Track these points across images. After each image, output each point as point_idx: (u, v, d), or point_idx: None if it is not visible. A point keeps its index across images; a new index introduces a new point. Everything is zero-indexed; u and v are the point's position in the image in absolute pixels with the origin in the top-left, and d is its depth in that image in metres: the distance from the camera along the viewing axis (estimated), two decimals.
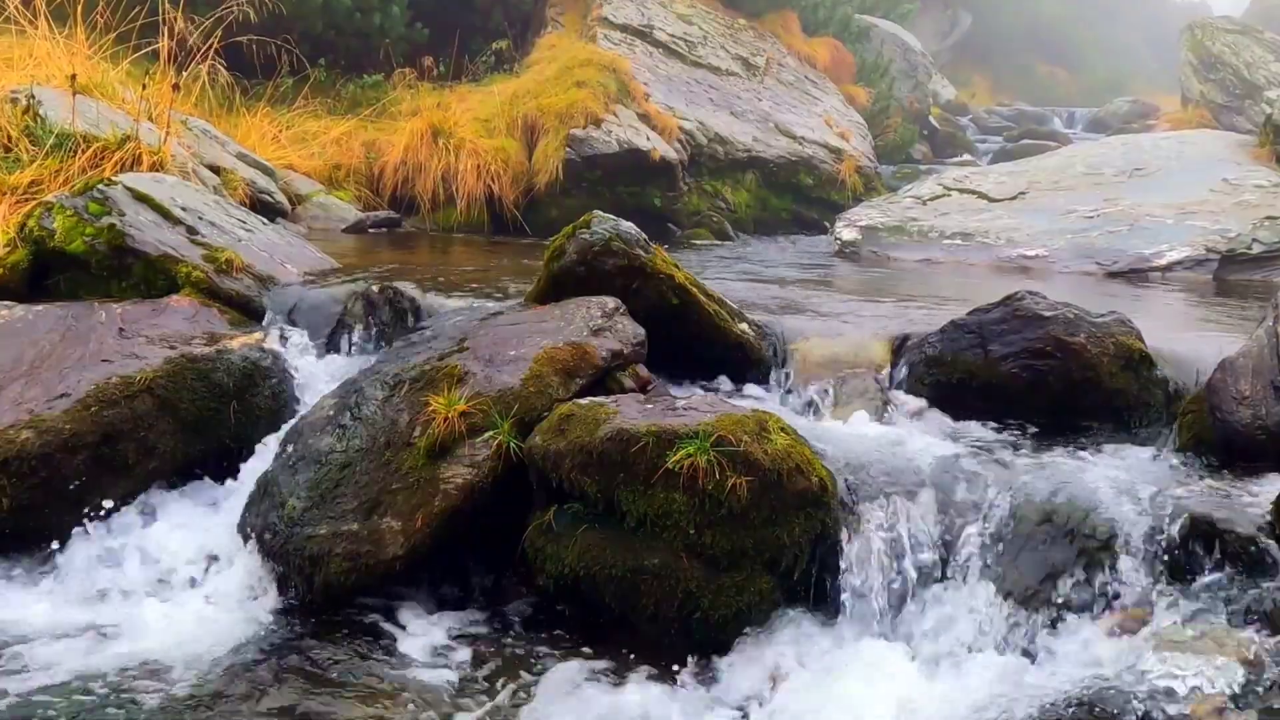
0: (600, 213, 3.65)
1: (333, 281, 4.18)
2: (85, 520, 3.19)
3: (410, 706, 2.50)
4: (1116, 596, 2.58)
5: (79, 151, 4.84)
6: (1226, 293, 5.60)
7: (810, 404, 3.51)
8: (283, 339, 3.82)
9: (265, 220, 4.86)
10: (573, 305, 3.45)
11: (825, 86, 11.22)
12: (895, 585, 2.74)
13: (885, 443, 3.09)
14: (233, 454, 3.45)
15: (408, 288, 3.96)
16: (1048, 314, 3.28)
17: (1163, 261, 6.22)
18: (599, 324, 3.35)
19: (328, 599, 2.93)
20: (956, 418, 3.31)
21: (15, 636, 2.78)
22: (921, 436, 3.16)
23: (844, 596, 2.75)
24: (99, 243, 3.88)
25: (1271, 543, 2.50)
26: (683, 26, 10.24)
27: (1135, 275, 6.15)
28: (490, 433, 2.97)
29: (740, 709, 2.56)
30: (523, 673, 2.67)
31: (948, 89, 17.88)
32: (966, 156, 13.58)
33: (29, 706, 2.45)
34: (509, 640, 2.84)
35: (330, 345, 3.87)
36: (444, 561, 3.02)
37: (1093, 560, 2.62)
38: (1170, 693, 2.27)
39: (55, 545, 3.14)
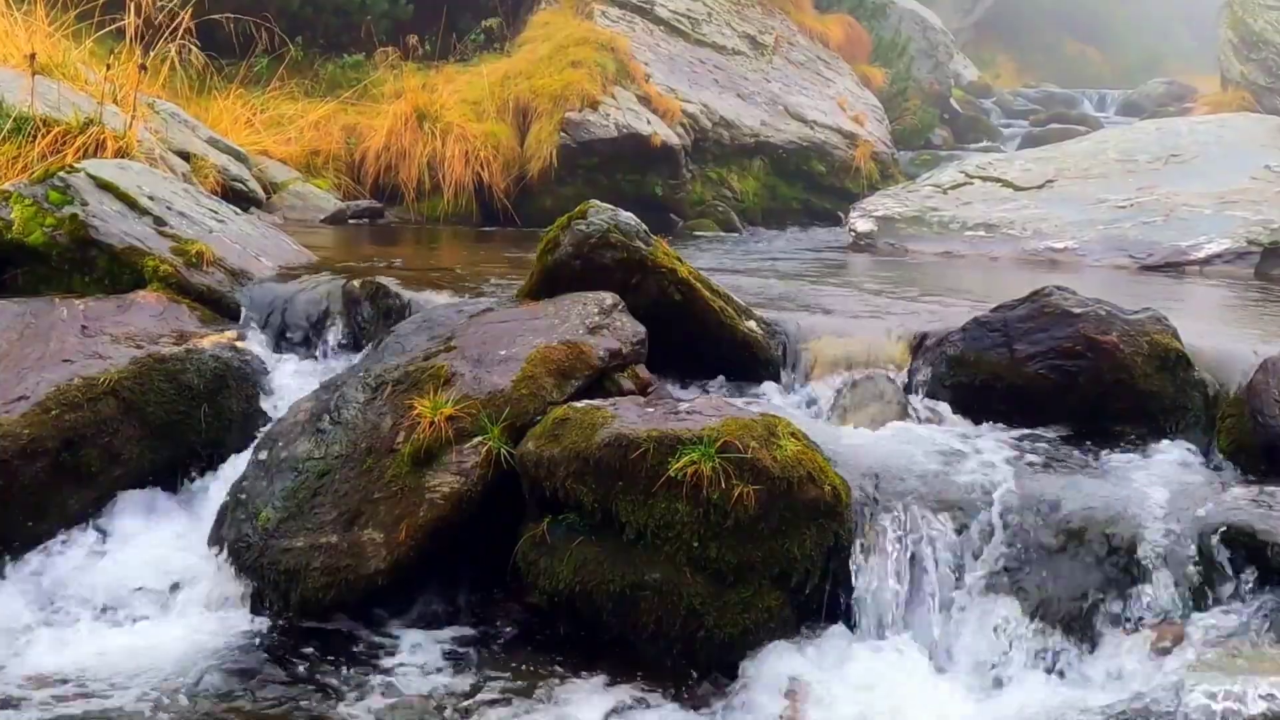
0: (597, 202, 3.65)
1: (311, 276, 4.17)
2: (45, 531, 3.18)
3: None
4: (1151, 611, 2.58)
5: (38, 136, 4.85)
6: (1269, 288, 5.60)
7: (823, 407, 3.51)
8: (257, 338, 3.82)
9: (238, 210, 4.86)
10: (568, 301, 3.45)
11: (838, 67, 11.23)
12: (915, 601, 2.74)
13: (903, 448, 3.09)
14: (203, 460, 3.45)
15: (391, 283, 3.96)
16: (1077, 311, 3.28)
17: (1200, 254, 6.22)
18: (596, 321, 3.35)
19: (305, 616, 2.93)
20: (979, 421, 3.31)
21: None
22: (942, 442, 3.15)
23: (859, 613, 2.75)
24: (60, 234, 3.88)
25: None
26: (685, 2, 10.25)
27: (1171, 269, 6.15)
28: (479, 438, 2.97)
29: None
30: (514, 696, 2.67)
31: (970, 69, 17.90)
32: (989, 142, 13.59)
33: None
34: (499, 661, 2.84)
35: (308, 344, 3.87)
36: (430, 576, 3.02)
37: (1125, 573, 2.62)
38: (1207, 713, 2.27)
39: (10, 557, 3.13)
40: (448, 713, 2.59)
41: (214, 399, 3.50)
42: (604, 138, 7.79)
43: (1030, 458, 3.05)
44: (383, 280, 3.97)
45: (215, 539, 3.10)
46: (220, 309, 3.92)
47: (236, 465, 3.32)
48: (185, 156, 5.84)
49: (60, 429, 3.22)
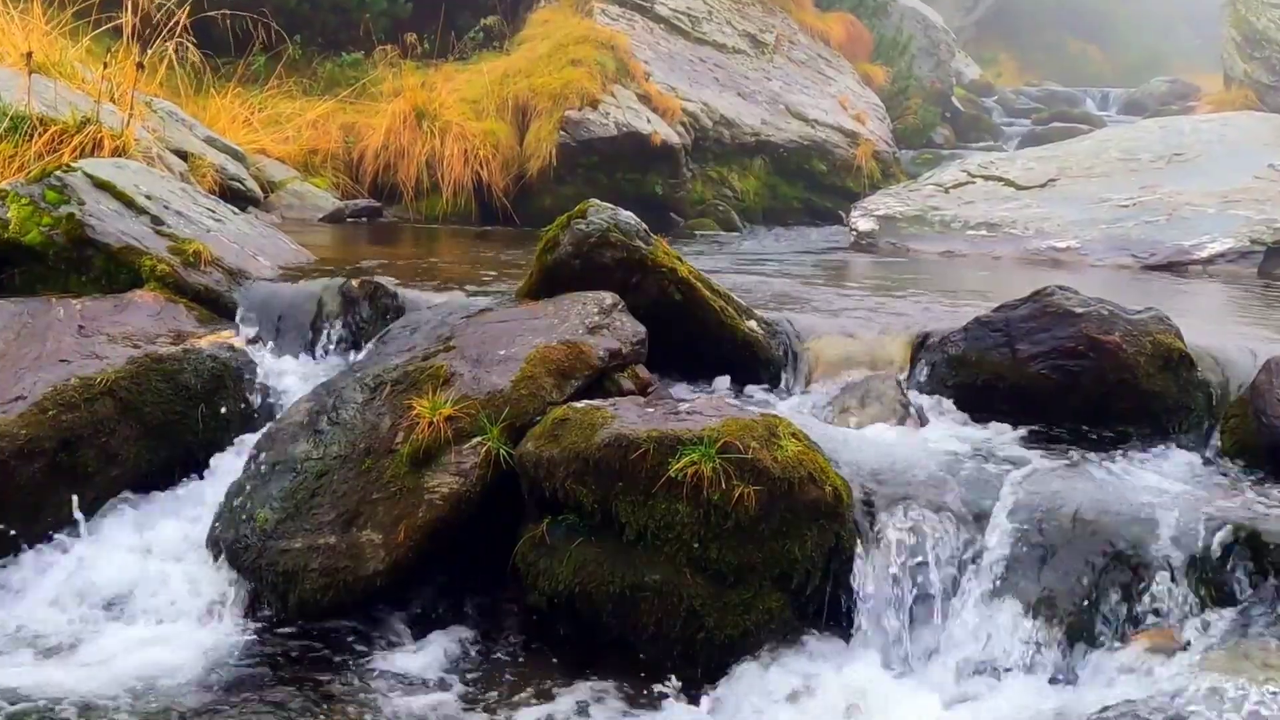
0: (597, 201, 3.65)
1: (309, 276, 4.18)
2: (41, 532, 3.18)
3: None
4: (1154, 614, 2.58)
5: (35, 135, 4.84)
6: (1272, 287, 5.61)
7: (823, 407, 3.51)
8: (254, 338, 3.82)
9: (236, 209, 4.86)
10: (567, 301, 3.45)
11: (840, 65, 11.23)
12: (915, 602, 2.73)
13: (904, 449, 3.09)
14: (201, 461, 3.45)
15: (389, 282, 3.96)
16: (1080, 310, 3.28)
17: (1204, 254, 6.22)
18: (596, 321, 3.35)
19: (303, 617, 2.93)
20: (981, 422, 3.31)
21: None
22: (944, 442, 3.16)
23: (860, 614, 2.74)
24: (57, 233, 3.88)
25: None
26: (685, 0, 10.24)
27: (1174, 269, 6.15)
28: (478, 438, 2.97)
29: None
30: (513, 699, 2.67)
31: (972, 68, 17.90)
32: (991, 141, 13.59)
33: None
34: (499, 664, 2.84)
35: (306, 344, 3.87)
36: (429, 577, 3.02)
37: (1128, 575, 2.62)
38: (1210, 714, 2.26)
39: (6, 561, 3.13)
40: (447, 715, 2.59)
41: (211, 399, 3.50)
42: (604, 136, 7.79)
43: (1032, 458, 3.04)
44: (381, 280, 3.98)
45: (212, 540, 3.10)
46: (218, 309, 3.92)
47: (234, 466, 3.32)
48: (183, 155, 5.84)
49: (57, 429, 3.22)
